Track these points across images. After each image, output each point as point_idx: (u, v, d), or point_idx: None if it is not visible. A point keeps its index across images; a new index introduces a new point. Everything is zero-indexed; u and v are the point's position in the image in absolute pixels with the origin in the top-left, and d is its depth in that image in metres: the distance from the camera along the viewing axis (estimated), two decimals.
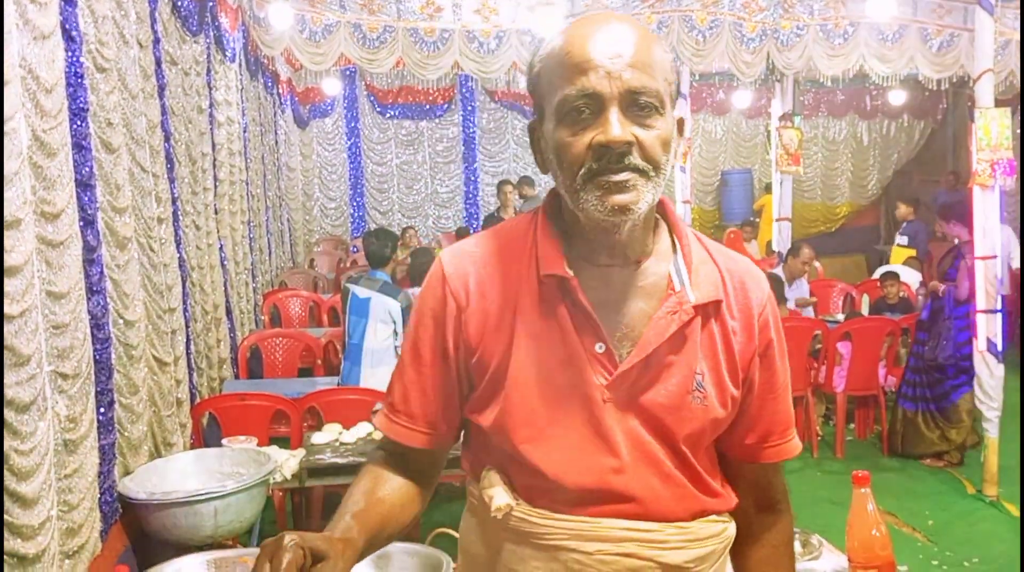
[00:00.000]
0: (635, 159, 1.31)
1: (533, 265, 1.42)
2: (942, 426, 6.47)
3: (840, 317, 7.99)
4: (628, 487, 1.39)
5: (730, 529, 1.50)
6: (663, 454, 1.41)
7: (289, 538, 1.14)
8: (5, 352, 2.60)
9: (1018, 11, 8.28)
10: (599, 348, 1.38)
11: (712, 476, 1.49)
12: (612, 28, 1.34)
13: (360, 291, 5.55)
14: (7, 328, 2.60)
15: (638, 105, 1.31)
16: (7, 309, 2.58)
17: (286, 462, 4.36)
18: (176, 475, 4.01)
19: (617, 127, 1.29)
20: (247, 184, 8.09)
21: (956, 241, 6.46)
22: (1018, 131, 12.46)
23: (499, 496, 1.43)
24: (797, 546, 2.67)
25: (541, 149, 1.44)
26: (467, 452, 1.55)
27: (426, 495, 1.54)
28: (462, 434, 1.56)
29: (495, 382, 1.42)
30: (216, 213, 6.42)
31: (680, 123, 1.42)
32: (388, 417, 1.51)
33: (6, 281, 2.60)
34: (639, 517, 1.40)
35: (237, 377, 6.62)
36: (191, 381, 5.17)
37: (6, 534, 2.62)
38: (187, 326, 5.15)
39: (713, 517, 1.47)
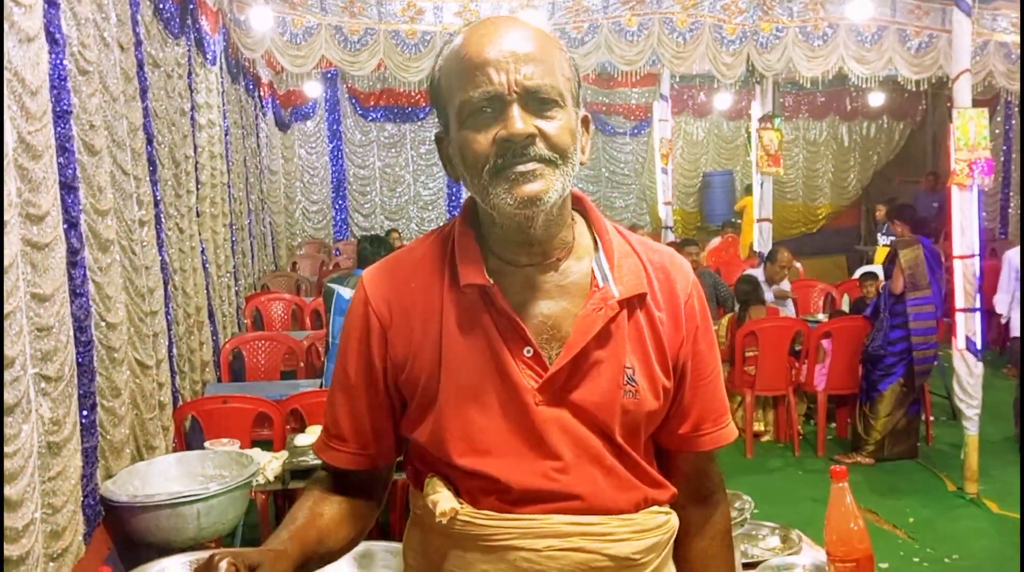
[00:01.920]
0: (540, 149, 1.32)
1: (453, 276, 1.41)
2: (869, 417, 6.58)
3: (821, 317, 8.05)
4: (573, 485, 1.39)
5: (673, 520, 1.51)
6: (603, 448, 1.41)
7: (219, 556, 1.15)
8: None
9: (995, 12, 8.38)
10: (527, 352, 1.38)
11: (652, 466, 1.49)
12: (506, 29, 1.35)
13: (345, 291, 5.54)
14: None
15: (538, 101, 1.32)
16: None
17: (269, 464, 4.36)
18: (158, 478, 4.00)
19: (519, 121, 1.30)
20: (229, 187, 8.08)
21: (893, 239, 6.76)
22: (997, 132, 12.67)
23: (444, 501, 1.41)
24: (776, 541, 2.70)
25: (449, 158, 1.44)
26: (409, 464, 1.53)
27: (372, 512, 1.54)
28: (404, 447, 1.55)
29: (427, 398, 1.41)
30: (198, 216, 6.41)
31: (585, 121, 1.43)
32: (322, 441, 1.52)
33: None
34: (585, 512, 1.39)
35: (219, 380, 6.61)
36: (173, 384, 5.16)
37: None
38: (169, 329, 5.14)
39: (656, 508, 1.47)
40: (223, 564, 1.15)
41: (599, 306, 1.39)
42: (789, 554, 2.59)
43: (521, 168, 1.31)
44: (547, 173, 1.32)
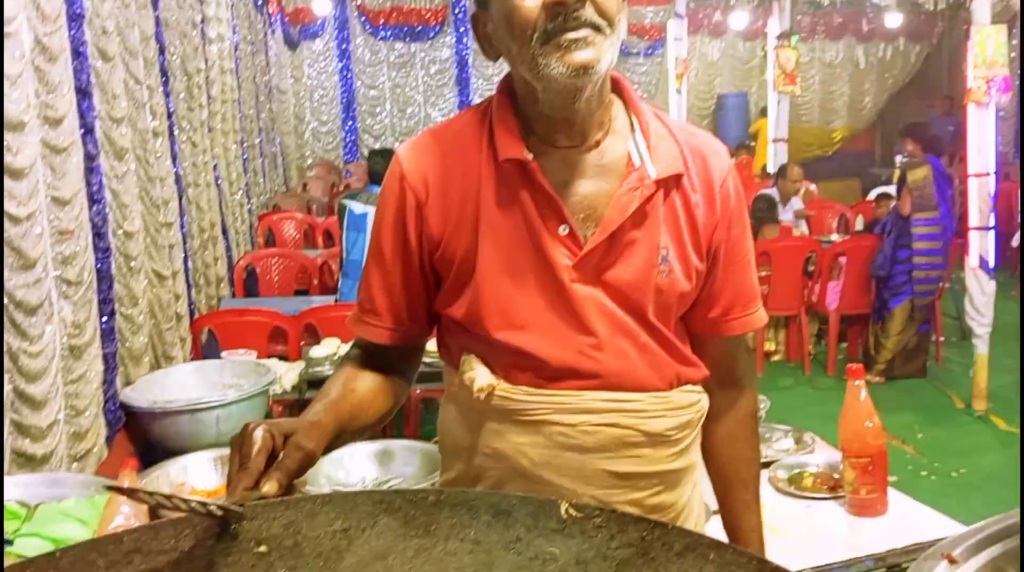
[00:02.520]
0: (590, 14, 1.29)
1: (491, 152, 1.40)
2: (879, 336, 6.61)
3: (835, 237, 8.03)
4: (607, 361, 1.40)
5: (704, 400, 1.52)
6: (637, 327, 1.42)
7: (254, 425, 1.15)
8: (13, 255, 2.63)
9: None
10: (563, 230, 1.38)
11: (684, 346, 1.51)
12: None
13: (357, 207, 5.55)
14: (14, 230, 2.62)
15: None
16: (14, 211, 2.60)
17: (285, 374, 4.42)
18: (177, 386, 4.04)
19: None
20: (240, 104, 8.03)
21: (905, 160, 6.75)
22: (1014, 56, 12.46)
23: (481, 377, 1.43)
24: (790, 442, 2.74)
25: (487, 36, 1.42)
26: (442, 343, 1.55)
27: (403, 389, 1.54)
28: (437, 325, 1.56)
29: (463, 273, 1.42)
30: (209, 131, 6.39)
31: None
32: (357, 316, 1.52)
33: (13, 183, 2.61)
34: (619, 388, 1.41)
35: (234, 296, 6.64)
36: (189, 297, 5.20)
37: (15, 433, 2.67)
38: (184, 242, 5.16)
39: (688, 387, 1.49)
40: (259, 432, 1.16)
41: (635, 186, 1.39)
42: (803, 453, 2.64)
43: (572, 35, 1.28)
44: (597, 40, 1.30)
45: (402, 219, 1.44)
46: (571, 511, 1.00)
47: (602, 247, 1.38)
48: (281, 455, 1.16)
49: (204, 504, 0.91)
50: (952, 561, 0.58)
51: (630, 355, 1.42)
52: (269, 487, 1.11)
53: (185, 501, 0.91)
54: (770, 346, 7.24)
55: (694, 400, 1.50)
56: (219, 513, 0.93)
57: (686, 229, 1.43)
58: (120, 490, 0.99)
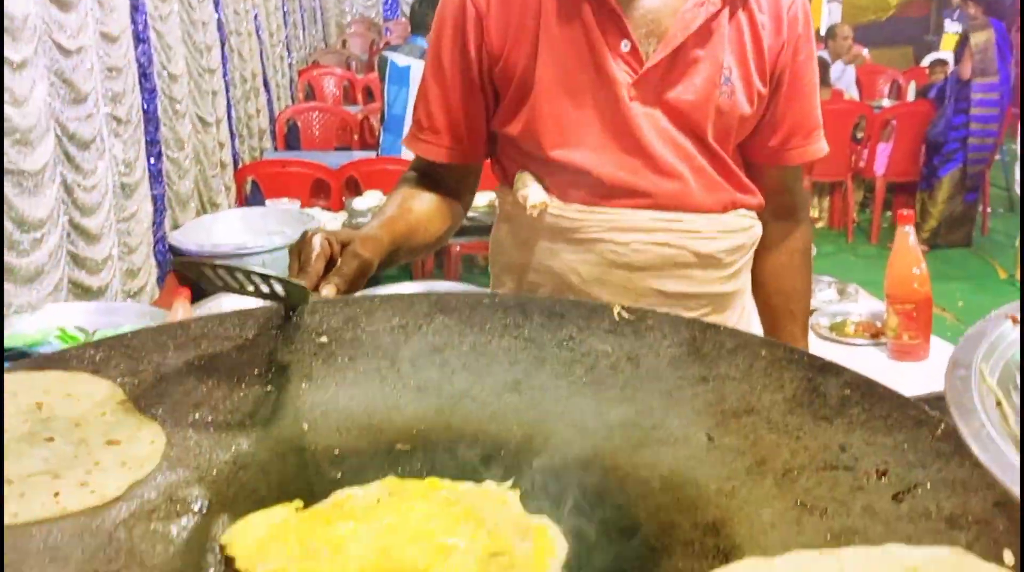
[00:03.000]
0: None
1: None
2: (926, 203, 6.53)
3: (886, 102, 7.84)
4: (661, 182, 1.39)
5: (757, 227, 1.51)
6: (694, 148, 1.40)
7: (313, 232, 1.16)
8: (65, 88, 2.65)
9: None
10: (624, 46, 1.34)
11: (741, 171, 1.48)
12: None
13: (399, 59, 5.46)
14: (66, 63, 2.63)
15: None
16: (65, 42, 2.60)
17: (328, 224, 4.45)
18: (223, 231, 4.08)
19: None
20: None
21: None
22: None
23: (534, 194, 1.41)
24: (834, 293, 2.75)
25: None
26: (496, 162, 1.53)
27: (459, 213, 1.53)
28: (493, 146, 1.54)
29: (521, 90, 1.39)
30: None
31: None
32: (414, 135, 1.50)
33: (63, 15, 2.61)
34: (673, 209, 1.40)
35: (276, 149, 6.66)
36: (233, 146, 5.23)
37: (72, 265, 2.74)
38: (227, 91, 5.15)
39: (743, 211, 1.48)
40: (317, 238, 1.18)
41: (701, 1, 1.34)
42: (847, 302, 2.65)
43: None
44: None
45: (462, 30, 1.40)
46: (623, 313, 1.03)
47: (664, 64, 1.35)
48: (339, 262, 1.19)
49: (268, 279, 0.93)
50: (1016, 321, 0.59)
51: (685, 177, 1.40)
52: (328, 290, 1.13)
53: (248, 274, 0.93)
54: (813, 213, 7.17)
55: (747, 225, 1.49)
56: (282, 293, 0.96)
57: (751, 51, 1.39)
58: (186, 263, 1.02)
